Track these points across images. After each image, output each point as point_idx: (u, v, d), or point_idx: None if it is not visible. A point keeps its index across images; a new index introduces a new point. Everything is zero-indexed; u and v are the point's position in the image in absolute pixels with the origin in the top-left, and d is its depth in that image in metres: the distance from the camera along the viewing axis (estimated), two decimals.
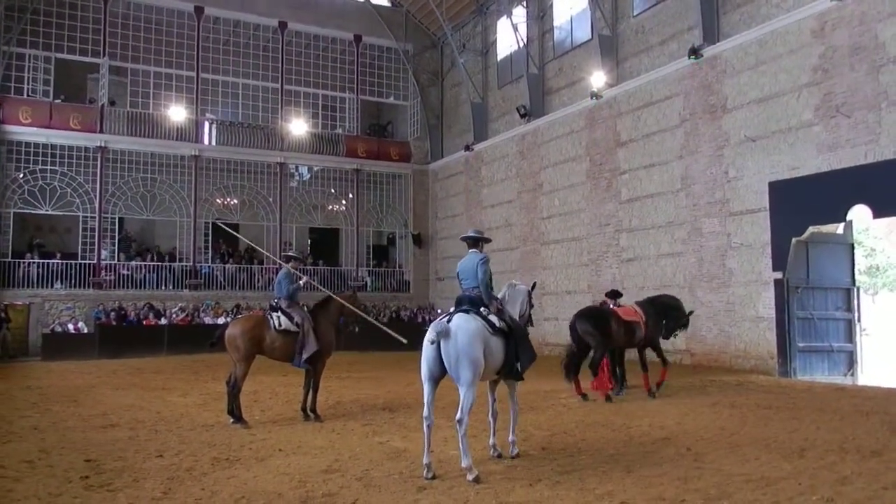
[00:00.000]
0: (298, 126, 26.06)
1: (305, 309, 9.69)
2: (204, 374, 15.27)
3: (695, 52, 16.19)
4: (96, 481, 5.91)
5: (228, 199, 25.60)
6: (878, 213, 13.19)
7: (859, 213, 13.57)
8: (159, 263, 24.05)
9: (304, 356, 9.22)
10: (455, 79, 27.32)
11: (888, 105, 12.57)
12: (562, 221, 20.96)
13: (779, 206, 14.42)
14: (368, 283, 27.31)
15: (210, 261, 24.95)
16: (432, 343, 6.03)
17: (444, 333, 5.99)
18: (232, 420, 8.81)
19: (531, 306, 7.23)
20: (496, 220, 24.08)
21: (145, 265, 23.85)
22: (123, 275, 23.33)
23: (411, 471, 6.13)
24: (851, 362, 14.69)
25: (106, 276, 22.97)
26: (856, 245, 15.88)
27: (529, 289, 7.31)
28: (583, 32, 20.68)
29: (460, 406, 5.92)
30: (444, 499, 5.27)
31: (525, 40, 22.45)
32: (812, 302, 14.43)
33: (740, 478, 5.66)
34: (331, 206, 27.82)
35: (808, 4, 13.95)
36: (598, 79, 19.24)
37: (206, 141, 25.09)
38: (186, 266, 24.21)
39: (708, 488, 5.36)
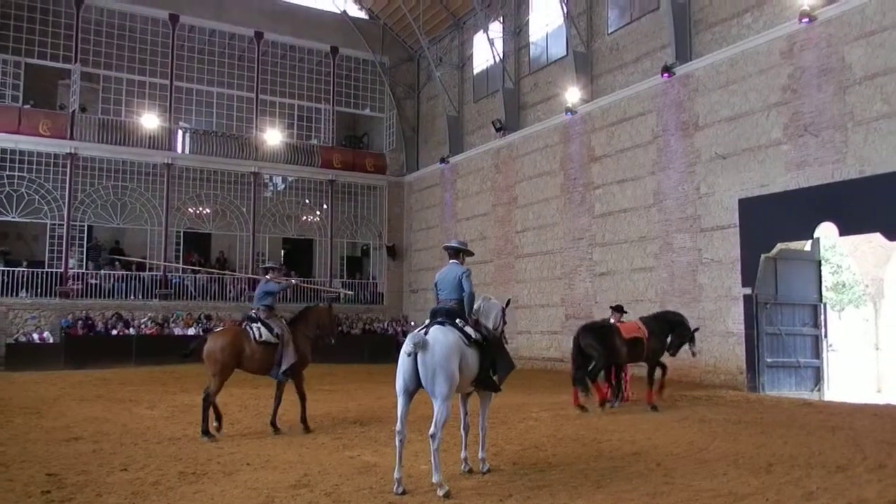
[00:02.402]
0: (273, 136, 25.92)
1: (284, 321, 9.63)
2: (172, 385, 15.03)
3: (668, 69, 16.43)
4: (58, 496, 5.76)
5: (201, 209, 25.32)
6: (844, 231, 13.44)
7: (826, 231, 13.82)
8: (128, 273, 23.66)
9: (283, 367, 9.16)
10: (431, 92, 27.41)
11: (854, 125, 12.86)
12: (536, 235, 21.07)
13: (748, 223, 14.64)
14: (341, 295, 27.14)
15: (181, 270, 24.62)
16: (409, 355, 5.94)
17: (421, 345, 5.91)
18: (206, 437, 8.58)
19: (504, 323, 7.07)
20: (471, 232, 24.12)
21: (114, 274, 23.45)
22: (92, 284, 22.91)
23: (382, 486, 6.08)
24: (818, 378, 14.89)
25: (73, 284, 22.55)
26: (822, 262, 16.15)
27: (504, 305, 7.19)
28: (558, 49, 20.89)
29: (434, 421, 5.86)
30: None
31: (501, 55, 22.62)
32: (780, 318, 14.63)
33: (709, 493, 5.70)
34: (305, 217, 27.66)
35: (778, 26, 14.25)
36: (572, 94, 19.43)
37: (179, 149, 24.81)
38: (157, 276, 23.86)
39: None
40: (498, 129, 22.43)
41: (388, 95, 28.24)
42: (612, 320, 11.78)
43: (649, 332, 11.38)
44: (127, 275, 23.54)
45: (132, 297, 23.37)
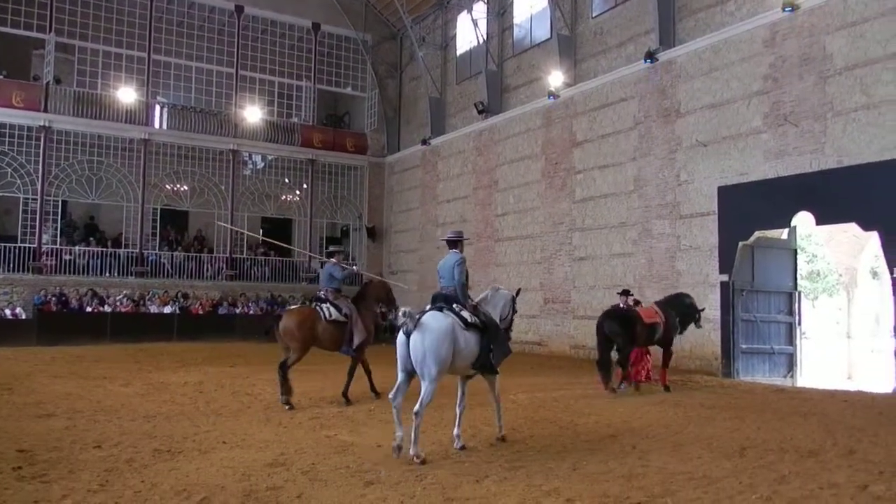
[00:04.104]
0: (253, 113, 25.56)
1: (349, 300, 10.29)
2: (147, 363, 14.89)
3: (651, 55, 16.43)
4: (29, 472, 5.68)
5: (178, 186, 24.98)
6: (820, 221, 13.61)
7: (803, 220, 13.99)
8: (104, 249, 23.32)
9: (355, 344, 9.91)
10: (414, 72, 27.19)
11: (833, 115, 12.97)
12: (516, 219, 21.07)
13: (727, 211, 14.75)
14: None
15: (157, 248, 24.32)
16: (406, 335, 6.36)
17: (413, 327, 6.30)
18: (287, 406, 9.24)
19: (515, 312, 7.46)
20: (451, 215, 24.08)
21: (89, 251, 23.10)
22: (66, 260, 22.56)
23: (358, 465, 6.07)
24: (791, 364, 15.13)
25: (47, 260, 22.19)
26: (798, 251, 16.36)
27: (514, 294, 7.57)
28: (542, 31, 20.79)
29: (420, 400, 6.23)
30: (392, 493, 5.22)
31: (485, 36, 22.47)
32: (756, 305, 14.81)
33: (683, 476, 5.75)
34: (284, 196, 27.42)
35: (761, 14, 14.29)
36: (555, 78, 19.37)
37: (156, 125, 24.41)
38: (133, 253, 23.54)
39: (652, 486, 5.43)
40: (480, 112, 22.33)
41: (370, 74, 27.96)
42: (621, 304, 12.02)
43: (665, 317, 11.74)
44: (102, 251, 23.21)
45: (107, 274, 23.05)
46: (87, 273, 22.71)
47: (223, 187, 25.31)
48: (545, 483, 5.53)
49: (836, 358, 18.77)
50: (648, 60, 16.51)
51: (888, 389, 12.11)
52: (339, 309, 9.91)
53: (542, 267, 19.86)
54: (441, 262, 7.20)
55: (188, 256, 24.72)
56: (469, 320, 6.64)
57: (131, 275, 23.35)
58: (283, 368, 9.49)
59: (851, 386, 14.12)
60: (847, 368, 17.96)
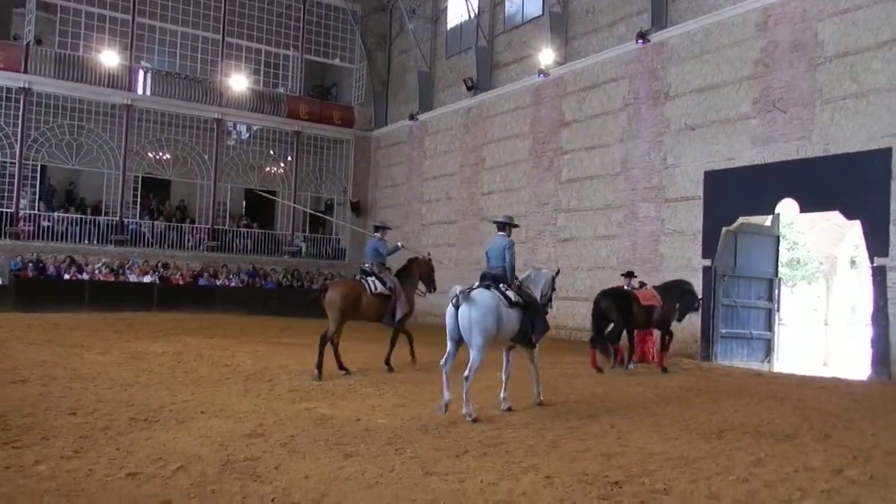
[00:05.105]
0: (239, 82, 25.15)
1: (392, 273, 10.74)
2: (126, 332, 14.74)
3: (643, 36, 16.31)
4: (1, 437, 5.59)
5: (161, 154, 24.61)
6: (804, 208, 13.68)
7: (787, 207, 14.04)
8: (83, 216, 22.97)
9: (398, 316, 10.40)
10: (403, 45, 26.85)
11: (822, 103, 12.98)
12: (502, 198, 21.00)
13: (712, 196, 14.78)
14: (303, 249, 26.86)
15: (138, 216, 24.01)
16: (455, 307, 7.07)
17: (463, 300, 7.03)
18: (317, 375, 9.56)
19: (553, 290, 8.17)
20: (437, 192, 23.96)
21: (68, 217, 22.75)
22: (44, 226, 22.20)
23: (338, 438, 6.03)
24: (769, 350, 15.29)
25: (24, 226, 21.83)
26: (781, 238, 16.45)
27: (554, 274, 8.27)
28: (534, 8, 20.57)
29: (469, 366, 6.98)
30: (370, 467, 5.19)
31: (476, 11, 22.22)
32: (737, 290, 14.91)
33: (661, 456, 5.78)
34: (269, 168, 27.11)
35: None
36: (546, 56, 19.21)
37: (139, 90, 23.95)
38: (113, 221, 23.21)
39: (630, 465, 5.45)
40: (469, 88, 22.14)
41: (358, 46, 27.58)
42: (624, 286, 12.18)
43: (663, 301, 11.88)
44: (81, 218, 22.86)
45: (86, 242, 22.72)
46: (66, 240, 22.38)
47: (206, 157, 24.97)
48: (524, 460, 5.53)
49: (813, 344, 19.01)
50: (640, 41, 16.40)
51: (863, 377, 12.28)
52: (383, 282, 10.38)
53: (525, 247, 19.81)
54: (489, 244, 7.86)
55: (169, 226, 24.43)
56: (513, 299, 7.35)
57: (111, 243, 23.04)
58: (332, 342, 10.02)
59: (827, 372, 14.29)
60: (823, 355, 18.18)
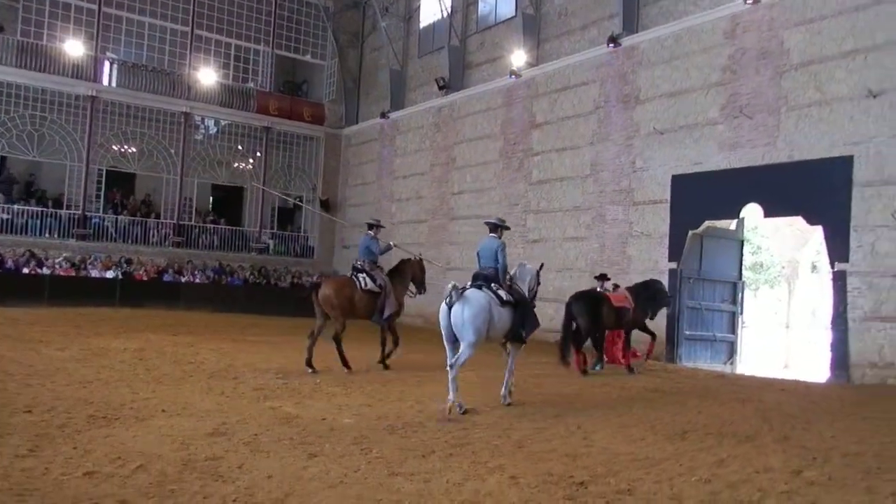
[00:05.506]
0: (207, 75, 24.76)
1: (383, 272, 10.86)
2: (87, 328, 14.43)
3: (614, 40, 16.44)
4: None
5: (126, 147, 24.12)
6: (768, 213, 13.90)
7: (751, 212, 14.27)
8: (44, 210, 22.42)
9: (386, 314, 10.50)
10: (375, 43, 26.72)
11: (787, 110, 13.21)
12: (472, 198, 21.00)
13: (679, 199, 14.96)
14: (271, 246, 26.58)
15: (102, 210, 23.51)
16: (449, 306, 7.31)
17: (456, 298, 7.27)
18: (346, 369, 10.02)
19: (538, 283, 8.47)
20: (407, 191, 23.89)
21: (28, 210, 22.18)
22: (3, 219, 21.61)
23: (302, 437, 5.96)
24: (732, 352, 15.53)
25: None
26: (745, 242, 16.71)
27: (538, 269, 8.54)
28: (507, 9, 20.62)
29: (457, 356, 7.29)
30: (335, 466, 5.14)
31: (449, 10, 22.20)
32: (701, 293, 15.11)
33: (626, 457, 5.82)
34: (237, 164, 26.76)
35: (724, 5, 14.41)
36: (518, 57, 19.27)
37: (104, 81, 23.44)
38: (75, 214, 22.70)
39: (595, 465, 5.47)
40: (441, 88, 22.11)
41: (330, 42, 27.36)
42: (598, 289, 12.30)
43: (635, 302, 11.97)
44: (42, 211, 22.32)
45: (47, 235, 22.20)
46: (26, 233, 21.82)
47: (173, 151, 24.56)
48: (490, 460, 5.52)
49: (775, 347, 19.36)
50: (611, 45, 16.53)
51: (822, 379, 12.53)
52: (374, 280, 10.51)
53: (477, 247, 19.80)
54: (481, 245, 8.10)
55: (134, 221, 23.97)
56: (505, 298, 7.63)
57: (73, 237, 22.53)
58: (337, 340, 10.15)
59: (788, 374, 14.56)
60: (784, 358, 18.54)
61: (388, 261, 11.62)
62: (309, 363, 10.04)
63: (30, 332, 13.20)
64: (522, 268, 8.42)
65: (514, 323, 7.72)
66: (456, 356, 7.33)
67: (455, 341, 7.44)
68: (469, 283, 7.76)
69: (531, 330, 7.92)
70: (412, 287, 11.31)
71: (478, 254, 8.12)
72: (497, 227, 8.18)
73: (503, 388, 8.04)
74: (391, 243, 11.51)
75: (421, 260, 11.63)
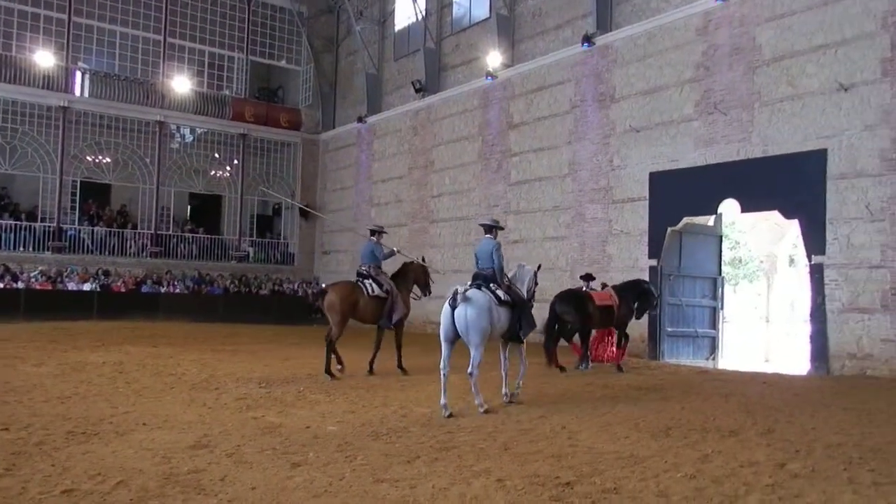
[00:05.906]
0: (182, 83, 24.56)
1: (388, 277, 10.95)
2: (64, 342, 14.20)
3: (588, 39, 16.52)
4: None
5: (100, 158, 23.83)
6: (745, 208, 14.03)
7: (729, 207, 14.39)
8: (18, 223, 22.07)
9: (395, 319, 10.68)
10: (350, 47, 26.65)
11: (760, 105, 13.35)
12: (451, 200, 21.00)
13: (657, 196, 15.06)
14: (251, 254, 26.38)
15: (77, 222, 23.20)
16: (452, 308, 7.39)
17: (461, 300, 7.35)
18: (330, 377, 9.96)
19: (536, 284, 8.67)
20: (386, 195, 23.83)
21: (1, 224, 21.83)
22: None
23: (286, 447, 5.90)
24: (713, 347, 15.65)
25: None
26: (723, 237, 16.85)
27: (536, 269, 8.77)
28: (481, 10, 20.66)
29: (471, 362, 7.41)
30: (320, 475, 5.08)
31: (423, 13, 22.18)
32: (682, 289, 15.22)
33: (611, 455, 5.82)
34: (214, 172, 26.54)
35: (696, 2, 14.54)
36: (494, 59, 19.31)
37: (77, 92, 23.18)
38: (50, 227, 22.37)
39: (581, 465, 5.46)
40: (417, 90, 22.10)
41: (305, 48, 27.24)
42: (584, 288, 12.32)
43: (620, 301, 12.06)
44: (16, 225, 21.98)
45: (21, 249, 21.87)
46: (0, 247, 21.47)
47: (148, 160, 24.32)
48: (476, 463, 5.50)
49: (755, 341, 19.53)
50: (585, 44, 16.61)
51: (803, 372, 12.66)
52: (380, 285, 10.63)
53: (475, 249, 19.84)
54: (478, 246, 8.27)
55: (110, 232, 23.70)
56: (503, 298, 7.79)
57: (48, 250, 22.23)
58: (329, 344, 10.23)
59: (769, 368, 14.68)
60: (765, 351, 18.70)
61: (390, 266, 11.56)
62: (338, 361, 10.43)
63: (5, 348, 12.96)
64: (521, 269, 8.63)
65: (511, 322, 7.88)
66: (469, 362, 7.40)
67: (453, 341, 7.52)
68: (469, 283, 7.89)
69: (529, 329, 8.08)
70: (416, 290, 11.41)
71: (475, 255, 8.27)
72: (492, 229, 8.35)
73: (507, 386, 8.27)
74: (395, 249, 11.61)
75: (424, 263, 11.75)
